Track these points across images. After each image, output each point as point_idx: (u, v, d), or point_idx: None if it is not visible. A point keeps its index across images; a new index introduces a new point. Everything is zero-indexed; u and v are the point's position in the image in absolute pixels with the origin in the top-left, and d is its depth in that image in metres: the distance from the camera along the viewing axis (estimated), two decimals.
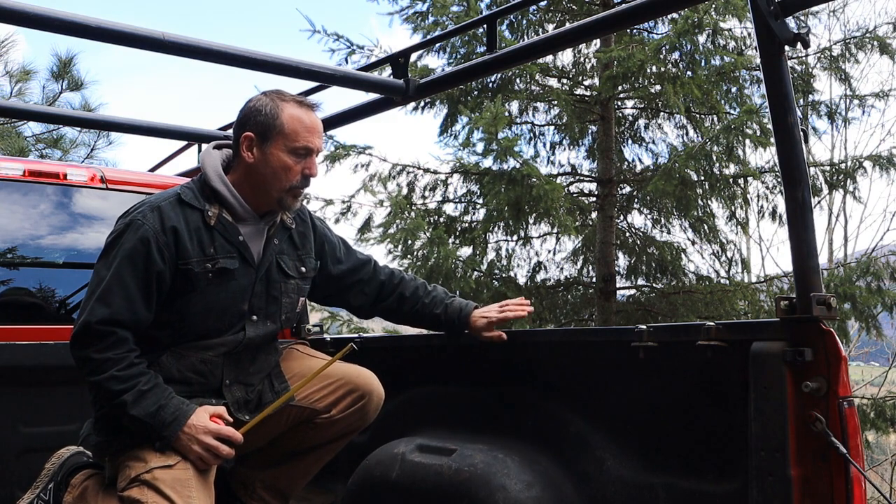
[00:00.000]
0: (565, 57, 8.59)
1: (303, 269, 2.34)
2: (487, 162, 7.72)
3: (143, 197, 3.52)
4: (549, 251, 8.75)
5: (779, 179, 7.25)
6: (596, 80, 8.30)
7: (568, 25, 2.52)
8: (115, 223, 2.14)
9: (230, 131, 3.74)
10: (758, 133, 7.18)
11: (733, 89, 7.81)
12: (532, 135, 8.70)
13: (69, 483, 2.33)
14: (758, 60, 3.62)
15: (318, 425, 2.31)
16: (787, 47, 1.78)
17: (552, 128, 8.65)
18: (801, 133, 1.78)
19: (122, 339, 2.02)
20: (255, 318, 2.20)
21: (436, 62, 8.40)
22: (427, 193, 8.48)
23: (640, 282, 8.49)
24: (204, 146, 2.35)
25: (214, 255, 2.11)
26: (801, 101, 7.93)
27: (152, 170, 4.10)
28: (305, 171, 2.16)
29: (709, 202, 8.03)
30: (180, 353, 2.12)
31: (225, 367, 2.17)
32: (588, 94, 8.45)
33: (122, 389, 1.97)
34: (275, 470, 2.39)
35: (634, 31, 7.92)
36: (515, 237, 8.43)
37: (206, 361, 2.14)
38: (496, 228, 8.20)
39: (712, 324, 1.88)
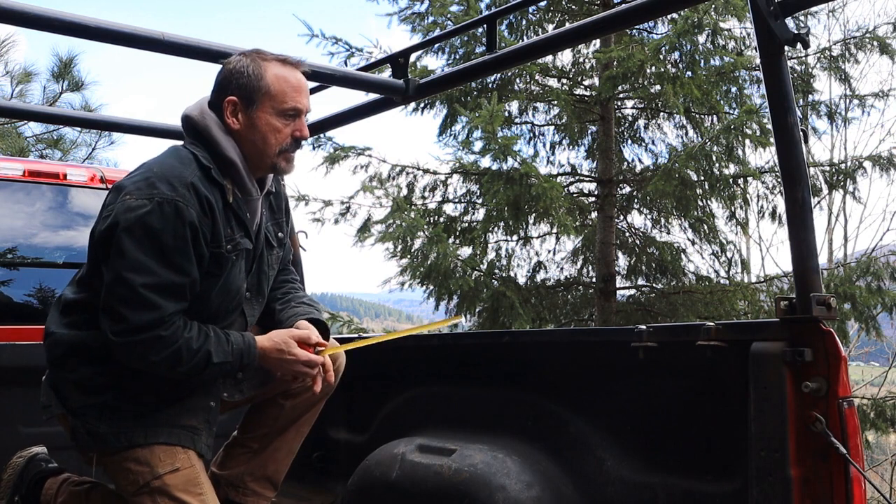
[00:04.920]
0: (565, 57, 8.61)
1: (280, 234, 2.25)
2: (486, 161, 7.72)
3: None
4: (549, 251, 8.77)
5: (779, 179, 7.24)
6: (596, 80, 8.31)
7: (568, 25, 2.52)
8: (134, 196, 1.88)
9: None
10: (758, 133, 7.19)
11: (733, 89, 7.82)
12: (532, 135, 8.71)
13: (39, 498, 2.27)
14: (758, 60, 3.62)
15: (294, 395, 2.30)
16: (786, 47, 1.78)
17: (552, 128, 8.66)
18: (801, 133, 1.78)
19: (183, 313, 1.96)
20: (248, 294, 2.14)
21: (435, 63, 8.42)
22: (427, 194, 8.49)
23: (640, 282, 8.50)
24: (190, 107, 2.10)
25: (233, 236, 2.01)
26: (801, 101, 7.94)
27: None
28: (296, 133, 2.04)
29: (709, 202, 8.04)
30: None
31: None
32: (588, 94, 8.46)
33: (200, 346, 1.92)
34: (260, 458, 2.36)
35: (634, 31, 7.92)
36: (515, 237, 8.44)
37: None
38: (496, 228, 8.21)
39: (712, 324, 1.87)
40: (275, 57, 2.06)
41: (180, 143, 2.12)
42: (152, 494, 1.94)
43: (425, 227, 7.79)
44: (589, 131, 8.52)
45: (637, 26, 7.77)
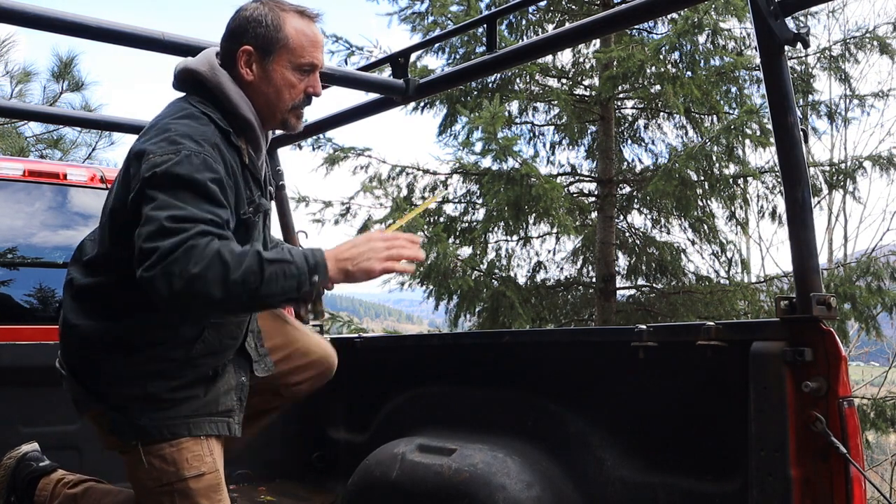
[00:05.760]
0: (565, 57, 8.61)
1: (271, 189, 2.14)
2: (486, 161, 7.73)
3: None
4: (549, 251, 8.77)
5: (779, 179, 7.25)
6: (596, 80, 8.31)
7: (568, 25, 2.52)
8: (158, 154, 1.73)
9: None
10: (758, 133, 7.19)
11: (733, 89, 7.82)
12: (532, 135, 8.71)
13: (34, 499, 2.26)
14: (758, 60, 3.62)
15: (283, 396, 2.31)
16: (786, 47, 1.78)
17: (552, 128, 8.66)
18: (801, 133, 1.78)
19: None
20: None
21: (435, 62, 8.41)
22: (427, 194, 8.48)
23: (640, 282, 8.50)
24: (193, 60, 1.96)
25: (252, 197, 1.93)
26: (801, 101, 7.94)
27: None
28: (309, 89, 1.97)
29: (709, 202, 8.04)
30: (218, 323, 1.94)
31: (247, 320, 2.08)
32: (588, 94, 8.46)
33: (245, 249, 1.70)
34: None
35: (634, 31, 7.92)
36: (515, 237, 8.44)
37: (238, 324, 2.02)
38: (496, 228, 8.21)
39: (712, 324, 1.88)
40: (293, 7, 1.96)
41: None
42: (172, 495, 1.92)
43: (425, 227, 7.79)
44: (589, 131, 8.52)
45: (637, 26, 7.77)
